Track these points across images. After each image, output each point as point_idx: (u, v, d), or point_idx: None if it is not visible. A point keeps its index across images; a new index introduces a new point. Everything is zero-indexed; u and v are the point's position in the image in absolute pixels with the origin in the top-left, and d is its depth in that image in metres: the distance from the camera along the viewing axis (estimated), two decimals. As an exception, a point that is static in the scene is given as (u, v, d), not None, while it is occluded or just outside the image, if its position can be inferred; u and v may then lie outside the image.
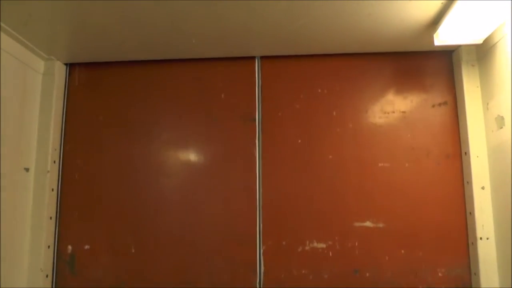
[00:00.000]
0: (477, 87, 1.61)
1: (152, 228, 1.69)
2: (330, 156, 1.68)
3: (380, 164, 1.67)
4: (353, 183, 1.67)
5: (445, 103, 1.69)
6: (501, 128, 1.46)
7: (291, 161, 1.69)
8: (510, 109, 1.38)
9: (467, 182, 1.61)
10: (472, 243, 1.57)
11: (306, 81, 1.75)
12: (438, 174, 1.65)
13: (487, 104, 1.56)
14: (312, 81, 1.75)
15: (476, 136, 1.59)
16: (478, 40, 1.48)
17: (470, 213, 1.59)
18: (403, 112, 1.71)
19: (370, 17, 1.41)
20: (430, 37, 1.50)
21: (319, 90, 1.73)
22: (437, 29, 1.44)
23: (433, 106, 1.69)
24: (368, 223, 1.64)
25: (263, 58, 1.78)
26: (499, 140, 1.48)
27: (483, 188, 1.56)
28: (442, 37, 1.44)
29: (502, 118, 1.45)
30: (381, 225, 1.63)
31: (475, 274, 1.56)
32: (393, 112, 1.71)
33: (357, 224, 1.64)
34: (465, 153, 1.62)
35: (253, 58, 1.77)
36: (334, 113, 1.71)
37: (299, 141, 1.70)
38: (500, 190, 1.49)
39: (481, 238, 1.54)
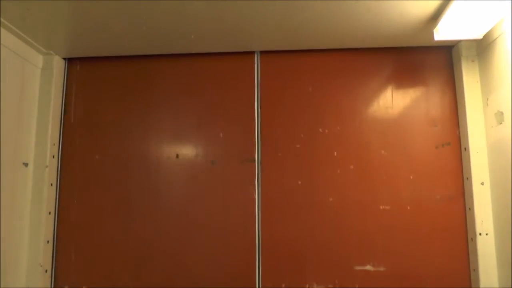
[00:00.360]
0: (477, 82, 1.61)
1: (150, 267, 1.67)
2: (331, 198, 1.66)
3: (381, 207, 1.65)
4: (354, 226, 1.64)
5: (448, 143, 1.66)
6: (501, 123, 1.45)
7: (291, 203, 1.66)
8: (510, 104, 1.38)
9: (467, 178, 1.61)
10: (472, 238, 1.57)
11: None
12: (440, 218, 1.63)
13: (487, 99, 1.55)
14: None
15: (476, 132, 1.59)
16: (478, 35, 1.47)
17: (469, 208, 1.59)
18: (407, 153, 1.67)
19: (369, 12, 1.40)
20: (430, 33, 1.50)
21: (320, 130, 1.70)
22: (437, 24, 1.43)
23: (437, 147, 1.66)
24: (368, 267, 1.61)
25: (262, 53, 1.77)
26: (498, 136, 1.48)
27: (482, 183, 1.56)
28: (442, 32, 1.44)
29: (502, 113, 1.44)
30: (382, 269, 1.61)
31: (474, 270, 1.56)
32: (395, 153, 1.67)
33: (357, 267, 1.62)
34: (465, 148, 1.62)
35: (252, 53, 1.77)
36: (335, 153, 1.69)
37: (299, 182, 1.67)
38: (500, 186, 1.49)
39: (480, 234, 1.54)
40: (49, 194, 1.66)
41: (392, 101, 1.72)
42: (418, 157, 1.66)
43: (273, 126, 1.72)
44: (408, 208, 1.64)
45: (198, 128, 1.74)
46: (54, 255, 1.69)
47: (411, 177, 1.65)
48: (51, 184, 1.68)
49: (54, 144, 1.71)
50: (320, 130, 1.70)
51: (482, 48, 1.58)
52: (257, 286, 1.62)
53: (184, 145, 1.73)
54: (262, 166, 1.69)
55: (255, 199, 1.66)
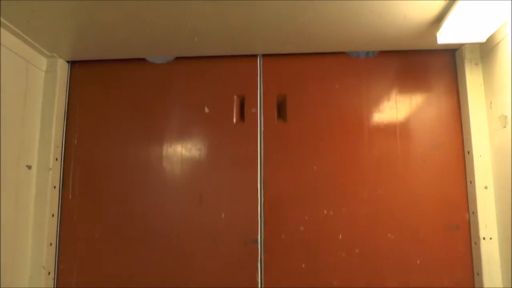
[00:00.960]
0: (481, 85, 1.60)
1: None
2: (335, 283, 1.61)
3: None
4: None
5: (457, 227, 1.62)
6: (505, 127, 1.44)
7: (294, 287, 1.62)
8: (514, 108, 1.38)
9: (470, 182, 1.60)
10: (475, 243, 1.56)
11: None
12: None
13: (491, 103, 1.54)
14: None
15: (479, 135, 1.58)
16: (482, 38, 1.47)
17: (473, 212, 1.58)
18: (414, 236, 1.63)
19: (372, 14, 1.40)
20: (433, 35, 1.49)
21: (325, 212, 1.66)
22: (440, 27, 1.43)
23: (445, 230, 1.62)
24: None
25: (265, 56, 1.77)
26: (502, 139, 1.47)
27: (486, 187, 1.55)
28: (445, 35, 1.43)
29: (506, 117, 1.43)
30: None
31: (477, 274, 1.55)
32: (402, 236, 1.63)
33: None
34: (468, 152, 1.61)
35: (255, 56, 1.77)
36: (340, 236, 1.65)
37: (303, 265, 1.63)
38: (504, 190, 1.48)
39: (484, 238, 1.53)
40: (52, 197, 1.67)
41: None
42: (425, 240, 1.62)
43: (277, 208, 1.68)
44: None
45: (199, 206, 1.71)
46: (57, 258, 1.69)
47: (418, 261, 1.62)
48: (54, 187, 1.68)
49: (57, 147, 1.71)
50: (325, 212, 1.66)
51: (486, 51, 1.57)
52: None
53: (185, 222, 1.70)
54: (265, 248, 1.65)
55: (257, 281, 1.62)
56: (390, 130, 1.70)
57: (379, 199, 1.66)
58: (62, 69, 1.75)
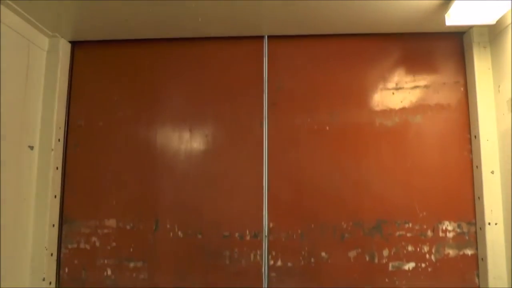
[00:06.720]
0: (489, 69, 1.58)
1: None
2: None
3: None
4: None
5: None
6: (513, 111, 1.43)
7: None
8: (523, 91, 1.35)
9: (476, 167, 1.58)
10: (480, 228, 1.55)
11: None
12: None
13: (499, 86, 1.52)
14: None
15: (487, 120, 1.56)
16: (491, 20, 1.44)
17: (478, 198, 1.56)
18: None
19: (380, -5, 1.38)
20: (441, 18, 1.47)
21: None
22: (449, 9, 1.40)
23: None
24: None
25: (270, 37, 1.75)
26: (510, 124, 1.45)
27: (492, 172, 1.54)
28: (454, 18, 1.41)
29: (514, 101, 1.42)
30: None
31: (482, 259, 1.54)
32: None
33: None
34: (475, 136, 1.59)
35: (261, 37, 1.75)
36: None
37: None
38: (510, 175, 1.46)
39: (489, 223, 1.52)
40: (54, 178, 1.66)
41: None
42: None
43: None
44: None
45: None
46: (60, 239, 1.68)
47: None
48: (57, 168, 1.67)
49: (59, 128, 1.70)
50: None
51: (495, 34, 1.55)
52: None
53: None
54: None
55: None
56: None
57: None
58: (64, 49, 1.73)
